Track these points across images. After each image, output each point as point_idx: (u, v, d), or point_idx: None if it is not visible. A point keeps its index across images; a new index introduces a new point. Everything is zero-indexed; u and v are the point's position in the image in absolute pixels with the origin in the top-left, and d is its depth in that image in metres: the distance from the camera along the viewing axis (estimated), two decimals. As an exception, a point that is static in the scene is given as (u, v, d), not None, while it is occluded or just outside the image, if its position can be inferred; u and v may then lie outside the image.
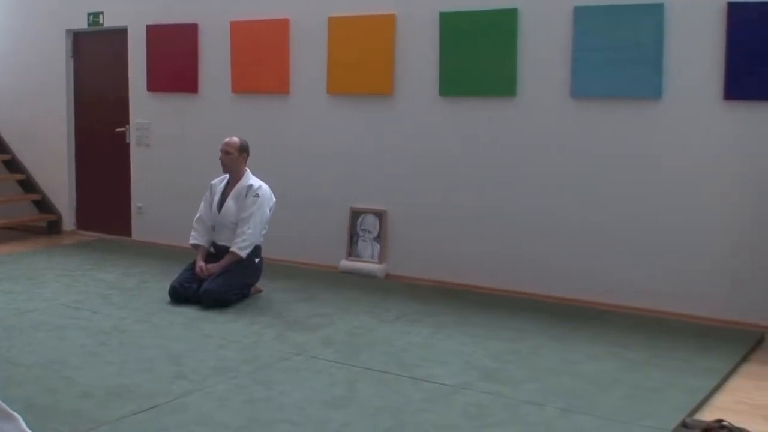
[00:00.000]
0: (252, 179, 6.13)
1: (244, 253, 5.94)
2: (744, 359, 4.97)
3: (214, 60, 7.71)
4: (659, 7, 5.73)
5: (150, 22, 8.05)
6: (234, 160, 6.11)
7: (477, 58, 6.42)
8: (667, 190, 5.84)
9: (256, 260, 6.09)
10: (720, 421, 3.93)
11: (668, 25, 5.74)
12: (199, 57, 7.80)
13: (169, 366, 4.64)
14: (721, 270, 5.70)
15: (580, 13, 6.00)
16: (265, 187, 6.11)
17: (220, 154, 6.15)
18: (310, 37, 7.17)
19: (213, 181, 6.31)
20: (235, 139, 6.15)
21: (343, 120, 7.11)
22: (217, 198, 6.18)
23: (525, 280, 6.34)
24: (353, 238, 7.07)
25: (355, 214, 7.07)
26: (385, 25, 6.79)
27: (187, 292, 5.93)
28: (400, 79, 6.81)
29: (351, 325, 5.47)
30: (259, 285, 6.23)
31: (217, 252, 6.16)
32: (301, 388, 4.33)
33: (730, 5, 5.52)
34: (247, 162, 6.21)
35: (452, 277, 6.63)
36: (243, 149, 6.14)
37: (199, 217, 6.24)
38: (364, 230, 7.02)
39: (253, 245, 5.98)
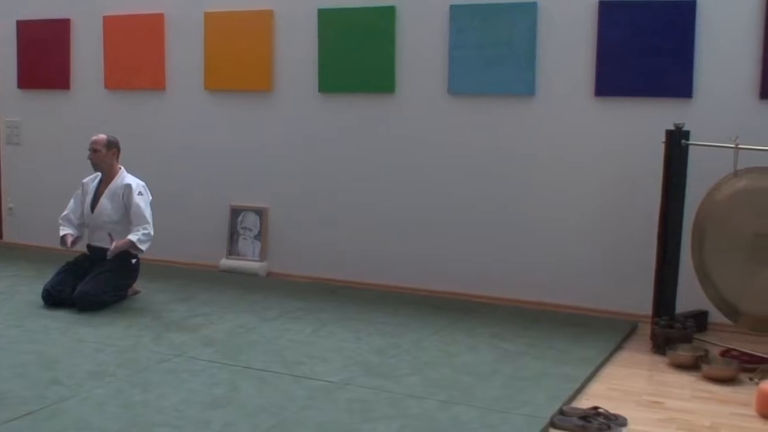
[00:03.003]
0: (128, 178, 5.96)
1: (143, 247, 5.75)
2: (618, 348, 5.14)
3: (88, 56, 7.49)
4: (532, 6, 5.86)
5: (20, 18, 7.75)
6: (103, 157, 5.93)
7: (356, 55, 6.44)
8: (542, 185, 6.00)
9: (133, 261, 5.94)
10: (596, 408, 4.05)
11: (541, 24, 5.88)
12: (71, 53, 7.56)
13: (44, 371, 4.47)
14: (595, 261, 5.88)
15: (455, 11, 6.09)
16: (143, 184, 5.96)
17: (88, 153, 5.97)
18: (186, 33, 7.05)
19: (85, 180, 6.12)
20: (102, 136, 5.96)
21: (222, 117, 7.02)
22: (89, 197, 6.00)
23: (405, 275, 6.40)
24: (233, 236, 6.99)
25: (235, 212, 6.99)
26: (263, 21, 6.73)
27: (61, 295, 5.73)
28: (279, 76, 6.76)
29: (232, 325, 5.41)
30: (136, 286, 6.08)
31: (91, 253, 5.99)
32: (180, 389, 4.25)
33: (602, 4, 5.70)
34: (123, 160, 6.04)
35: (334, 273, 6.64)
36: (111, 145, 5.96)
37: (65, 215, 6.03)
38: (244, 228, 6.95)
39: (150, 242, 5.79)
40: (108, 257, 5.76)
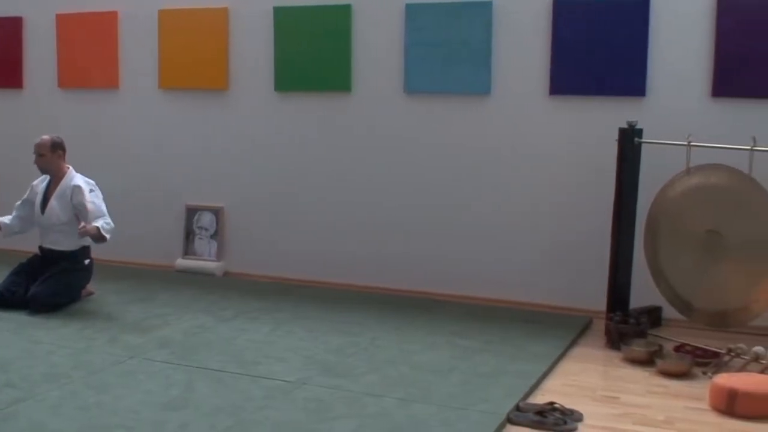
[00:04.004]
0: (77, 178, 5.85)
1: (108, 236, 5.62)
2: (573, 343, 5.19)
3: (40, 54, 7.38)
4: (487, 6, 5.89)
5: (-31, 15, 7.64)
6: (48, 160, 5.83)
7: (312, 54, 6.43)
8: (497, 183, 6.04)
9: (86, 261, 5.88)
10: (551, 403, 4.09)
11: (496, 23, 5.92)
12: (24, 51, 7.45)
13: (-4, 374, 4.41)
14: (550, 258, 5.93)
15: (411, 10, 6.11)
16: (93, 182, 5.87)
17: (34, 157, 5.87)
18: (140, 31, 6.98)
19: (34, 182, 6.01)
20: (45, 138, 5.85)
21: (177, 115, 6.97)
22: (39, 198, 5.91)
23: (363, 273, 6.40)
24: (189, 236, 6.94)
25: (191, 212, 6.94)
26: (218, 19, 6.69)
27: (14, 297, 5.64)
28: (235, 74, 6.73)
29: (188, 325, 5.37)
30: (90, 287, 6.01)
31: (43, 255, 5.91)
32: (136, 391, 4.20)
33: (556, 4, 5.75)
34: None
35: (291, 273, 6.62)
36: (56, 147, 5.85)
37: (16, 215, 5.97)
38: (200, 228, 6.90)
39: (112, 234, 5.68)
40: (78, 235, 5.63)
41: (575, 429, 3.87)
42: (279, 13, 6.50)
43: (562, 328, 5.40)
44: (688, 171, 5.11)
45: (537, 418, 3.92)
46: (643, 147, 5.32)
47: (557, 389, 4.41)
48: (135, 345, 4.95)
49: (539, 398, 4.24)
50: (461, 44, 5.99)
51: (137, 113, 7.11)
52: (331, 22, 6.35)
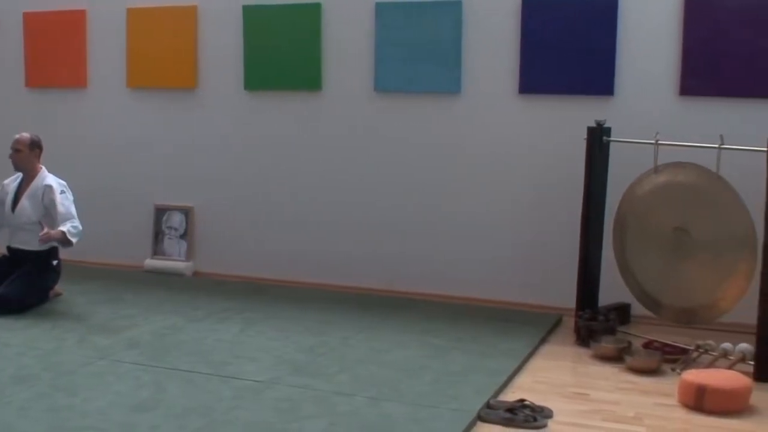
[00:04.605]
0: (49, 178, 5.82)
1: (74, 239, 5.58)
2: (543, 341, 5.22)
3: (7, 53, 7.30)
4: (457, 5, 5.91)
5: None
6: (25, 157, 5.79)
7: (282, 52, 6.41)
8: (468, 181, 6.06)
9: (54, 262, 5.82)
10: (522, 400, 4.11)
11: (466, 22, 5.93)
12: (-12, 50, 7.39)
13: (-37, 377, 4.36)
14: (520, 256, 5.96)
15: (381, 9, 6.11)
16: (65, 183, 5.83)
17: (10, 152, 5.82)
18: (108, 29, 6.93)
19: (6, 181, 5.96)
20: (26, 135, 5.82)
21: (145, 114, 6.92)
22: (10, 197, 5.85)
23: (334, 272, 6.40)
24: (158, 236, 6.90)
25: (160, 212, 6.90)
26: (187, 17, 6.65)
27: (-18, 298, 5.59)
28: (204, 73, 6.70)
29: (157, 326, 5.33)
30: (58, 287, 5.96)
31: (11, 255, 5.85)
32: (105, 393, 4.17)
33: (525, 3, 5.77)
34: (45, 159, 5.91)
35: (261, 272, 6.60)
36: (34, 145, 5.82)
37: None
38: (169, 228, 6.86)
39: (80, 237, 5.64)
40: (40, 242, 5.58)
41: (545, 426, 3.89)
42: (248, 11, 6.47)
43: (533, 326, 5.43)
44: (656, 169, 5.16)
45: (507, 415, 3.94)
46: (612, 146, 5.36)
47: (528, 386, 4.43)
48: (104, 346, 4.92)
49: (510, 395, 4.26)
50: (431, 43, 6.00)
51: (105, 112, 7.05)
52: (301, 21, 6.33)
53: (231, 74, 6.60)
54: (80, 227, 5.64)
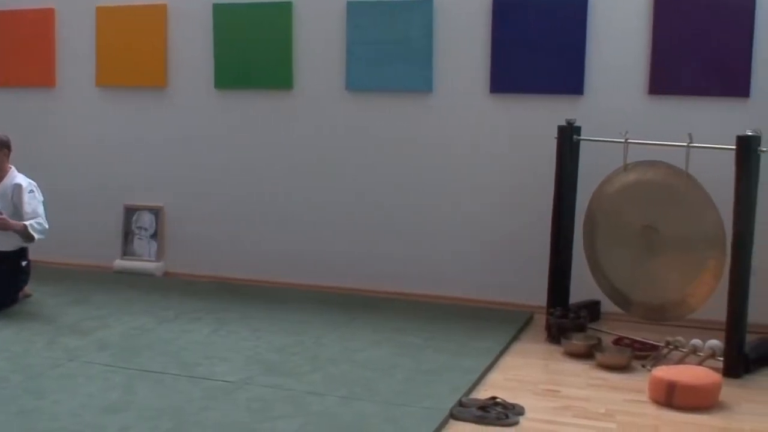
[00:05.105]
0: (18, 177, 5.76)
1: (36, 235, 5.52)
2: (514, 338, 5.24)
3: (-29, 51, 7.23)
4: (428, 4, 5.91)
5: None
6: None
7: (253, 51, 6.38)
8: (440, 180, 6.07)
9: (23, 263, 5.76)
10: (494, 398, 4.13)
11: (437, 21, 5.94)
12: (-47, 48, 7.30)
13: (-70, 380, 4.31)
14: (492, 255, 5.98)
15: (352, 8, 6.10)
16: (35, 184, 5.77)
17: None
18: (76, 28, 6.87)
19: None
20: None
21: (114, 113, 6.87)
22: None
23: (306, 271, 6.39)
24: (128, 236, 6.85)
25: (130, 212, 6.85)
26: (156, 15, 6.61)
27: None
28: (174, 72, 6.66)
29: (128, 327, 5.30)
30: (27, 289, 5.90)
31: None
32: (75, 394, 4.14)
33: (495, 2, 5.79)
34: (12, 159, 5.84)
35: (233, 272, 6.58)
36: (3, 145, 5.75)
37: None
38: (139, 228, 6.81)
39: (45, 234, 5.59)
40: None
41: (517, 423, 3.91)
42: (218, 10, 6.44)
43: (504, 324, 5.45)
44: (626, 167, 5.19)
45: (479, 413, 3.96)
46: (582, 144, 5.39)
47: (500, 384, 4.44)
48: (74, 347, 4.88)
49: (482, 393, 4.27)
50: (403, 42, 6.00)
51: (74, 112, 6.99)
52: (272, 20, 6.31)
53: (201, 73, 6.56)
54: (46, 226, 5.60)
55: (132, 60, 6.72)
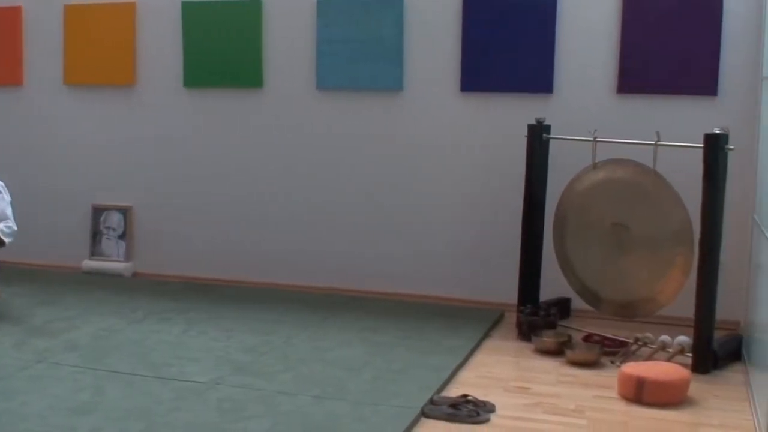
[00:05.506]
0: (-16, 177, 5.71)
1: (7, 240, 5.45)
2: (485, 336, 5.26)
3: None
4: (399, 2, 5.92)
5: None
6: None
7: (222, 49, 6.35)
8: (410, 178, 6.07)
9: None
10: (465, 396, 4.13)
11: (407, 19, 5.95)
12: None
13: None
14: (463, 253, 5.99)
15: (322, 6, 6.09)
16: (3, 184, 5.71)
17: None
18: (44, 27, 6.80)
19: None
20: None
21: (82, 112, 6.81)
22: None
23: (277, 271, 6.37)
24: (96, 236, 6.79)
25: (98, 212, 6.79)
26: (125, 14, 6.56)
27: None
28: (143, 70, 6.61)
29: (96, 328, 5.25)
30: (-6, 290, 5.85)
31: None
32: (44, 396, 4.10)
33: (465, 1, 5.80)
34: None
35: (203, 272, 6.54)
36: None
37: None
38: (108, 228, 6.76)
39: (14, 237, 5.52)
40: None
41: (488, 420, 3.92)
42: (188, 7, 6.40)
43: (475, 322, 5.46)
44: (595, 166, 5.23)
45: (451, 410, 3.96)
46: (552, 142, 5.42)
47: (471, 381, 4.46)
48: (43, 349, 4.83)
49: (453, 391, 4.28)
50: (373, 40, 6.00)
51: (42, 111, 6.92)
52: (241, 18, 6.28)
53: (170, 71, 6.52)
54: (14, 228, 5.54)
55: (101, 58, 6.67)
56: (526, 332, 5.16)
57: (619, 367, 4.50)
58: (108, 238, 6.77)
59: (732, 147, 4.70)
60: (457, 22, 5.86)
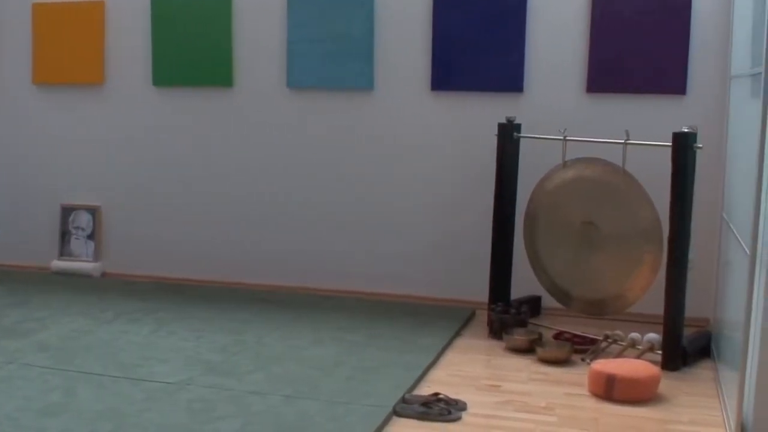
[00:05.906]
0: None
1: None
2: (457, 334, 5.27)
3: None
4: (369, 1, 5.91)
5: None
6: None
7: (192, 48, 6.32)
8: (381, 177, 6.07)
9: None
10: (437, 394, 4.15)
11: (378, 18, 5.95)
12: None
13: None
14: (434, 252, 6.00)
15: (293, 4, 6.07)
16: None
17: None
18: (12, 25, 6.72)
19: None
20: None
21: (51, 111, 6.74)
22: None
23: (248, 270, 6.34)
24: (65, 236, 6.73)
25: (66, 211, 6.73)
26: (94, 12, 6.50)
27: None
28: (112, 68, 6.55)
29: (66, 329, 5.21)
30: (-39, 291, 5.78)
31: None
32: (14, 397, 4.06)
33: (436, 1, 5.80)
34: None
35: (173, 272, 6.50)
36: None
37: None
38: (76, 228, 6.70)
39: None
40: None
41: (459, 418, 3.93)
42: (157, 5, 6.36)
43: (447, 320, 5.48)
44: (564, 164, 5.26)
45: (422, 409, 3.97)
46: (522, 141, 5.44)
47: (443, 380, 4.47)
48: (12, 350, 4.77)
49: (425, 390, 4.29)
50: (344, 39, 5.99)
51: (9, 110, 6.84)
52: (211, 15, 6.25)
53: (139, 69, 6.47)
54: None
55: (69, 57, 6.61)
56: (497, 330, 5.18)
57: (589, 364, 4.53)
58: (77, 238, 6.72)
59: (700, 145, 4.75)
60: (427, 21, 5.87)
